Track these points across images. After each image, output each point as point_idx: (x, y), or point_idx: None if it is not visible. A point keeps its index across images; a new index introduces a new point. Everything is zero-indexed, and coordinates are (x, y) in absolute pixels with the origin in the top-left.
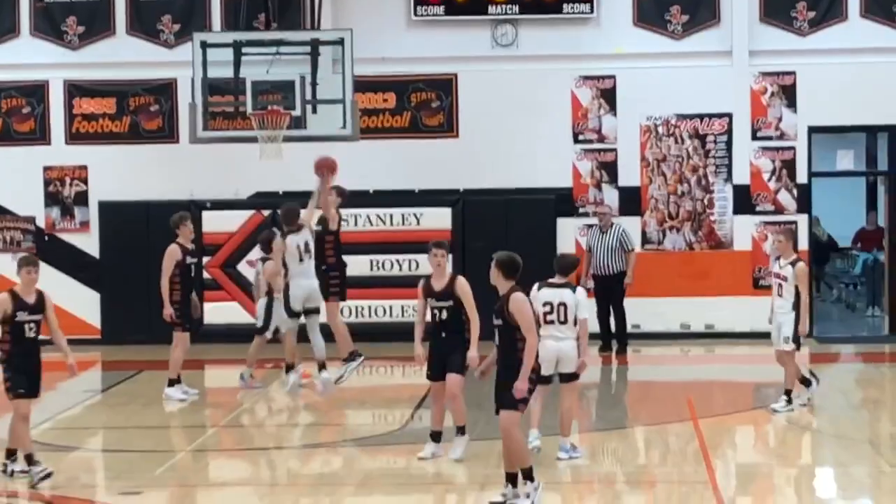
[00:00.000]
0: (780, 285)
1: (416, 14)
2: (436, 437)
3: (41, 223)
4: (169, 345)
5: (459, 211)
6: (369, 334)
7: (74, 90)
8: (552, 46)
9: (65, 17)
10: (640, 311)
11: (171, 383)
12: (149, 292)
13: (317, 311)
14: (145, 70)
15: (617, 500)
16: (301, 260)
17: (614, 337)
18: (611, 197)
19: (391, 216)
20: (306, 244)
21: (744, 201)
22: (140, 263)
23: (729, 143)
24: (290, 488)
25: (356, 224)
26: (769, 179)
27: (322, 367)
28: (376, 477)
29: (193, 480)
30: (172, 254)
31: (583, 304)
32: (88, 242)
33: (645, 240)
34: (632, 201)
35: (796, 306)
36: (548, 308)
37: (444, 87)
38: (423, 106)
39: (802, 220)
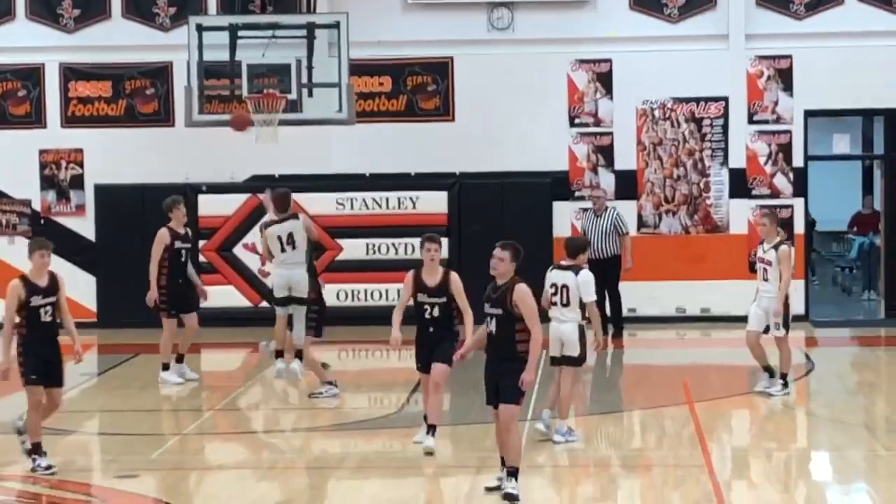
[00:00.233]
0: (765, 269)
1: None
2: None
3: (37, 206)
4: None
5: (455, 194)
6: (365, 318)
7: (70, 73)
8: (548, 30)
9: (60, 0)
10: (636, 295)
11: (166, 367)
12: (144, 276)
13: (301, 301)
14: (141, 53)
15: (613, 483)
16: (283, 250)
17: (610, 321)
18: (607, 180)
19: (387, 200)
20: (290, 235)
21: (740, 185)
22: (136, 247)
23: (725, 127)
24: (287, 472)
25: (352, 207)
26: (765, 163)
27: (297, 356)
28: (372, 460)
29: (190, 464)
30: (161, 238)
31: (586, 287)
32: (84, 226)
33: (641, 223)
34: (628, 185)
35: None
36: (553, 290)
37: (440, 70)
38: (419, 89)
39: (798, 204)
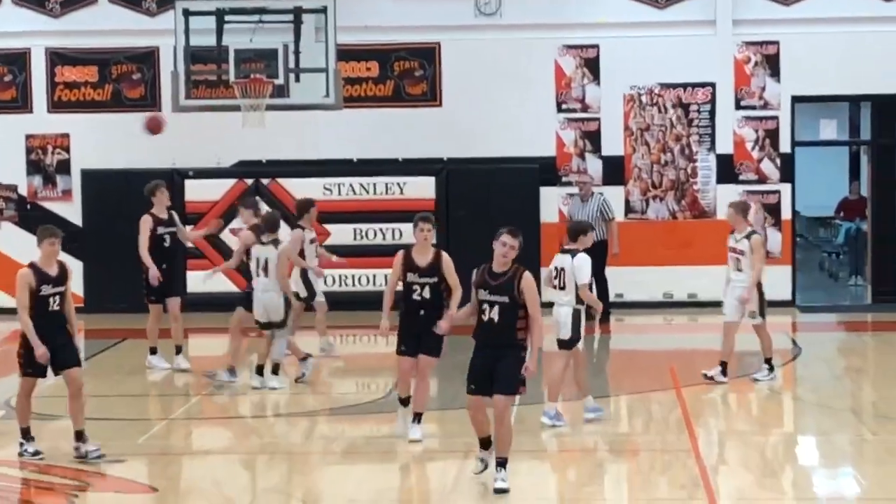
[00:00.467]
0: (737, 259)
1: None
2: (406, 402)
3: (23, 191)
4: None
5: (443, 180)
6: (352, 303)
7: (56, 58)
8: (535, 15)
9: None
10: (624, 281)
11: (153, 351)
12: (131, 260)
13: (279, 325)
14: (127, 38)
15: (600, 468)
16: (258, 275)
17: None
18: (594, 166)
19: (374, 185)
20: (266, 262)
21: (727, 171)
22: (122, 232)
23: (712, 113)
24: (274, 457)
25: (339, 193)
26: (752, 149)
27: (274, 371)
28: (359, 446)
29: (177, 449)
30: (144, 224)
31: (579, 271)
32: (71, 211)
33: (628, 209)
34: (615, 170)
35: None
36: (553, 273)
37: (428, 55)
38: (407, 75)
39: (786, 190)
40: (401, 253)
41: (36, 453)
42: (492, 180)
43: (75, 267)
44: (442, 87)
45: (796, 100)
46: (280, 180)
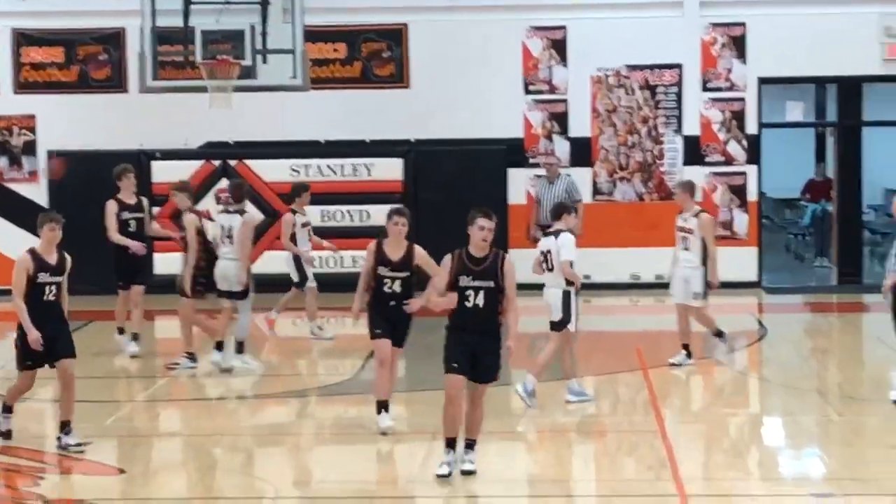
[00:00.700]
0: (684, 238)
1: None
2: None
3: None
4: (116, 296)
5: (411, 161)
6: (320, 284)
7: (22, 39)
8: None
9: None
10: (591, 262)
11: (121, 331)
12: (97, 242)
13: (239, 295)
14: (94, 19)
15: (568, 449)
16: (222, 242)
17: None
18: (562, 148)
19: (342, 167)
20: (230, 230)
21: (694, 152)
22: (89, 213)
23: (679, 94)
24: (242, 438)
25: (307, 174)
26: (719, 130)
27: (239, 349)
28: (328, 427)
29: (144, 431)
30: (108, 207)
31: (564, 248)
32: (37, 192)
33: (595, 191)
34: (582, 152)
35: (705, 261)
36: (541, 256)
37: (395, 37)
38: (374, 56)
39: (752, 171)
40: (373, 244)
41: (7, 433)
42: (459, 162)
43: None
44: (409, 68)
45: (763, 81)
46: (248, 161)
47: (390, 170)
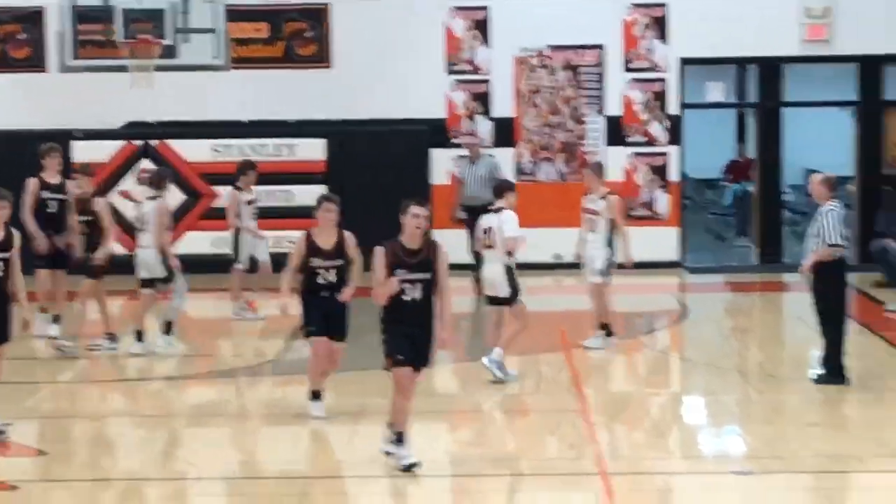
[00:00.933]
0: (590, 220)
1: None
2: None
3: None
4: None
5: (333, 142)
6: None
7: None
8: None
9: None
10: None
11: (44, 311)
12: (16, 225)
13: (164, 281)
14: None
15: (491, 427)
16: (140, 228)
17: None
18: (485, 128)
19: (264, 147)
20: (144, 216)
21: (616, 133)
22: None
23: (601, 75)
24: (164, 420)
25: (229, 154)
26: (641, 111)
27: (166, 329)
28: (251, 409)
29: (65, 412)
30: (29, 187)
31: (507, 224)
32: None
33: (518, 171)
34: (505, 132)
35: (611, 241)
36: (483, 233)
37: (317, 16)
38: (296, 36)
39: (674, 152)
40: (302, 236)
41: None
42: (382, 142)
43: None
44: (332, 48)
45: (684, 62)
46: (169, 142)
47: (313, 150)
